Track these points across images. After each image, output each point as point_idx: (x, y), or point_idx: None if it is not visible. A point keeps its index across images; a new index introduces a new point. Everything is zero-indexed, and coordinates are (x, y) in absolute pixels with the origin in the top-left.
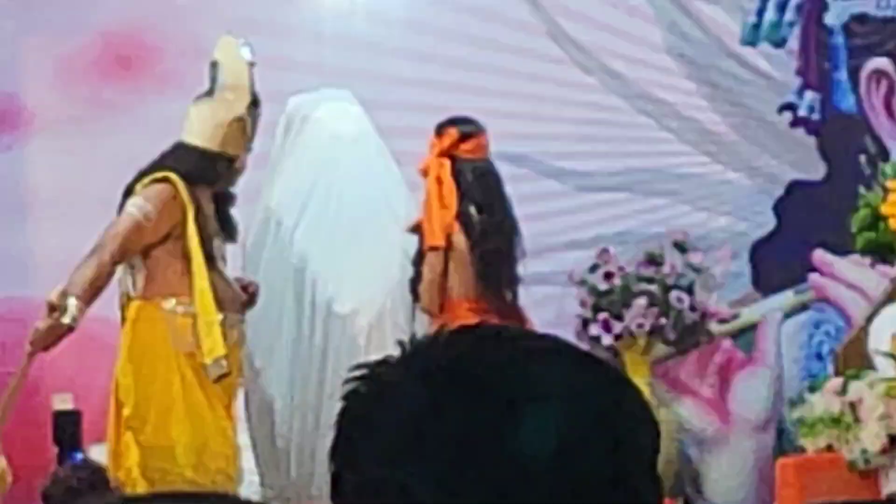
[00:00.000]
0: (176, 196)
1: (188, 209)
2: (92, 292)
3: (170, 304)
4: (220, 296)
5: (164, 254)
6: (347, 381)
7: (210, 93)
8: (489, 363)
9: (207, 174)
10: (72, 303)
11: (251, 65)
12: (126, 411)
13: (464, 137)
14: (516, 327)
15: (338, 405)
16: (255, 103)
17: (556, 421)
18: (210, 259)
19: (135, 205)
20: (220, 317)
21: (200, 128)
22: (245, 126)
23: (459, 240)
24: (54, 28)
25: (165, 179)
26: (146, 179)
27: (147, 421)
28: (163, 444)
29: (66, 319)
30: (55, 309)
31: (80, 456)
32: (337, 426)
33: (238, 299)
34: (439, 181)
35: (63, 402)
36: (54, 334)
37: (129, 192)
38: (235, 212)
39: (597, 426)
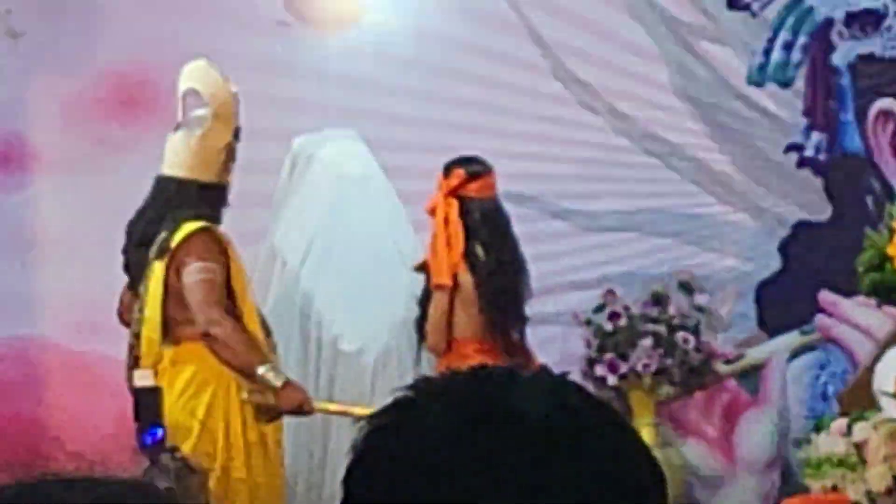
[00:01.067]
0: (219, 242)
1: (231, 253)
2: (259, 351)
3: None
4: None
5: None
6: (367, 426)
7: (190, 122)
8: (528, 402)
9: (216, 210)
10: (265, 370)
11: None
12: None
13: (471, 177)
14: (534, 368)
15: (346, 445)
16: (237, 129)
17: (594, 463)
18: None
19: (198, 270)
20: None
21: (193, 160)
22: (233, 153)
23: (466, 279)
24: (60, 68)
25: (202, 230)
26: (178, 235)
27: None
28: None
29: (278, 383)
30: (261, 389)
31: (160, 432)
32: (358, 468)
33: (264, 322)
34: (446, 221)
35: (143, 379)
36: (290, 396)
37: (160, 249)
38: (241, 251)
39: (635, 474)
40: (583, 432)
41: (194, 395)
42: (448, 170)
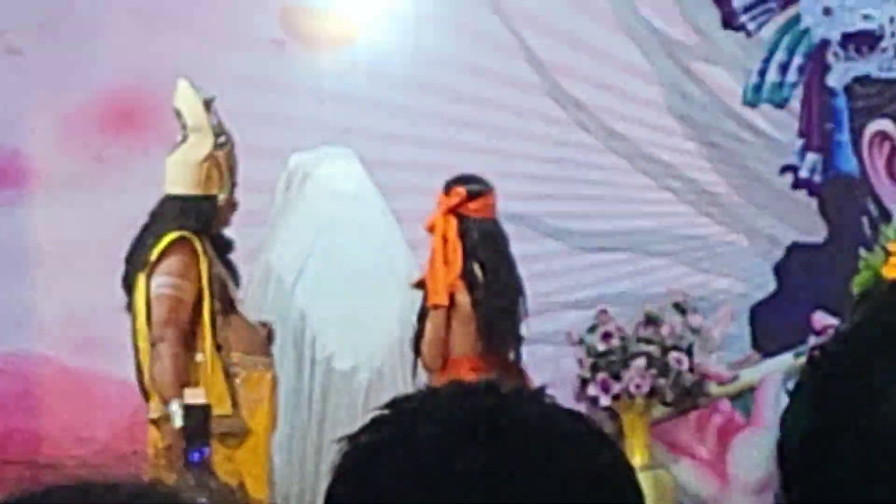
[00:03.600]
0: (194, 253)
1: (202, 263)
2: (181, 385)
3: (199, 357)
4: (245, 340)
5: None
6: (347, 445)
7: (182, 141)
8: (507, 416)
9: (200, 221)
10: (173, 407)
11: (208, 102)
12: None
13: (471, 196)
14: (527, 386)
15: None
16: (221, 140)
17: (573, 473)
18: (231, 304)
19: (163, 284)
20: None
21: (177, 175)
22: (218, 164)
23: (463, 298)
24: (58, 85)
25: (180, 240)
26: (158, 247)
27: None
28: None
29: (177, 423)
30: (160, 423)
31: (207, 450)
32: (339, 487)
33: (262, 341)
34: (445, 239)
35: (195, 397)
36: (176, 442)
37: (143, 262)
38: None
39: None
40: (561, 443)
41: None
42: (449, 188)
